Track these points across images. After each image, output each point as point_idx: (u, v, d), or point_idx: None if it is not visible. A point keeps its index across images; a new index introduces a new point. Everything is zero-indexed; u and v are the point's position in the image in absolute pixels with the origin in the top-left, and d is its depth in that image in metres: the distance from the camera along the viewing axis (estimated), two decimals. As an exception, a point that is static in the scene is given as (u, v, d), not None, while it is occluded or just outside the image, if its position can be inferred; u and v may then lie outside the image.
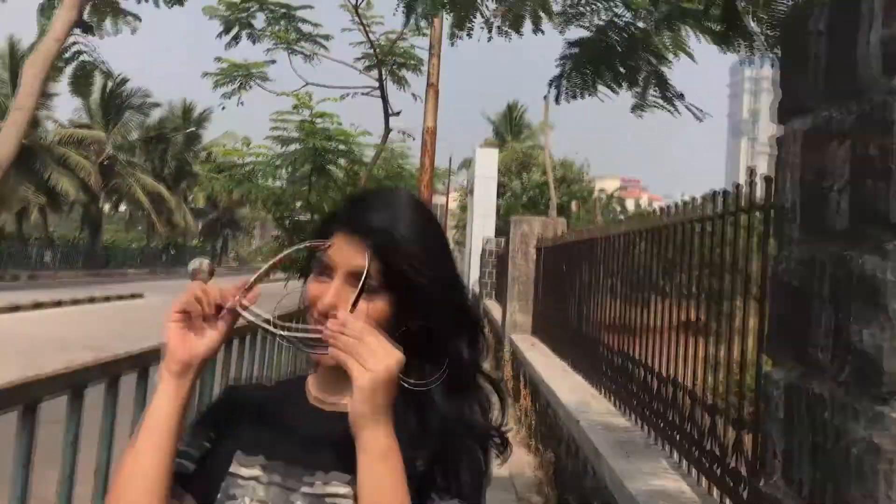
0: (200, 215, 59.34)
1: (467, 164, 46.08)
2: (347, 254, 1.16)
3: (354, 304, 1.12)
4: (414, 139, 10.44)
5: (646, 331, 4.47)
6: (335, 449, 1.13)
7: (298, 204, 8.14)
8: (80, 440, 1.53)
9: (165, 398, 1.12)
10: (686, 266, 3.77)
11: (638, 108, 5.13)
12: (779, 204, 1.75)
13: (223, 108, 8.26)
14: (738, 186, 3.13)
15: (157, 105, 42.06)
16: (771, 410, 1.69)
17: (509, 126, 49.70)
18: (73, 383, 1.44)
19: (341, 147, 7.33)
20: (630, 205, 57.52)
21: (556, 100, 5.39)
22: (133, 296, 23.28)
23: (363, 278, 1.13)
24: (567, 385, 5.69)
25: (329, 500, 1.13)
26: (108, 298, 21.62)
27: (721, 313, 3.27)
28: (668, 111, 4.66)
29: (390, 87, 8.24)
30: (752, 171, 2.99)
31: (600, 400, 5.13)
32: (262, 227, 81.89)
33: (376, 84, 8.31)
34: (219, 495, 1.16)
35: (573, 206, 35.05)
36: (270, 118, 7.10)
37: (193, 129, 47.21)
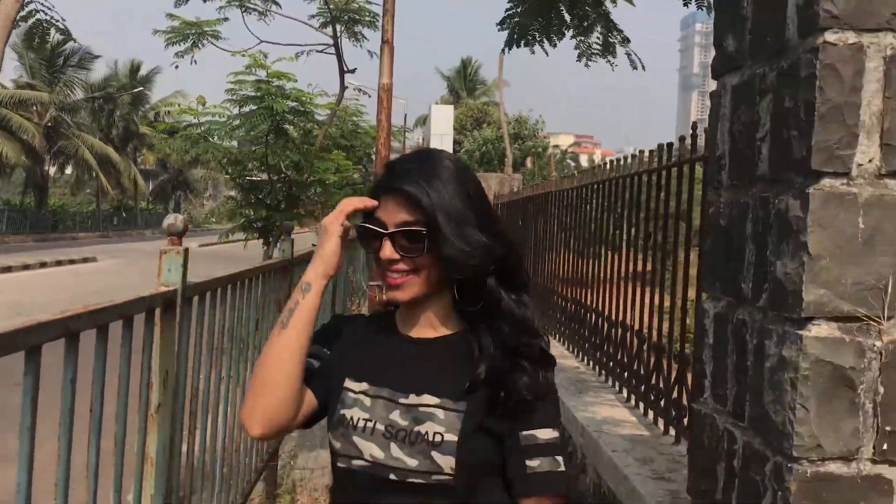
0: (150, 177, 58.12)
1: (422, 120, 45.89)
2: (392, 212, 1.37)
3: (405, 254, 1.36)
4: (370, 96, 10.45)
5: (598, 281, 4.69)
6: (425, 374, 1.40)
7: (254, 164, 8.14)
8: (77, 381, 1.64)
9: (315, 295, 1.39)
10: (633, 217, 3.97)
11: (583, 55, 5.23)
12: (712, 153, 1.93)
13: (176, 66, 8.19)
14: (682, 139, 3.32)
15: (97, 56, 40.42)
16: (703, 338, 1.89)
17: (464, 82, 49.50)
18: (68, 329, 1.56)
19: (299, 107, 7.33)
20: (584, 160, 57.99)
21: (507, 47, 5.44)
22: (86, 259, 22.89)
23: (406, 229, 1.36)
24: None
25: (422, 408, 1.37)
26: (59, 263, 21.22)
27: (665, 262, 3.48)
28: (610, 60, 4.79)
29: (346, 44, 8.24)
30: (694, 125, 3.18)
31: (554, 345, 5.37)
32: (214, 188, 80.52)
33: (331, 41, 8.30)
34: (337, 404, 1.42)
35: (528, 162, 35.23)
36: (227, 80, 7.06)
37: (141, 88, 45.87)
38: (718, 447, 1.78)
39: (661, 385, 3.24)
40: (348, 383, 1.43)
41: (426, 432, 1.35)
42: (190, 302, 2.43)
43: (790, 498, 1.45)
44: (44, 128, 36.16)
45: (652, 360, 3.44)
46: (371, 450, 1.37)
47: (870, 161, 1.43)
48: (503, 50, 5.60)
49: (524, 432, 1.39)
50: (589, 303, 4.71)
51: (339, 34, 8.22)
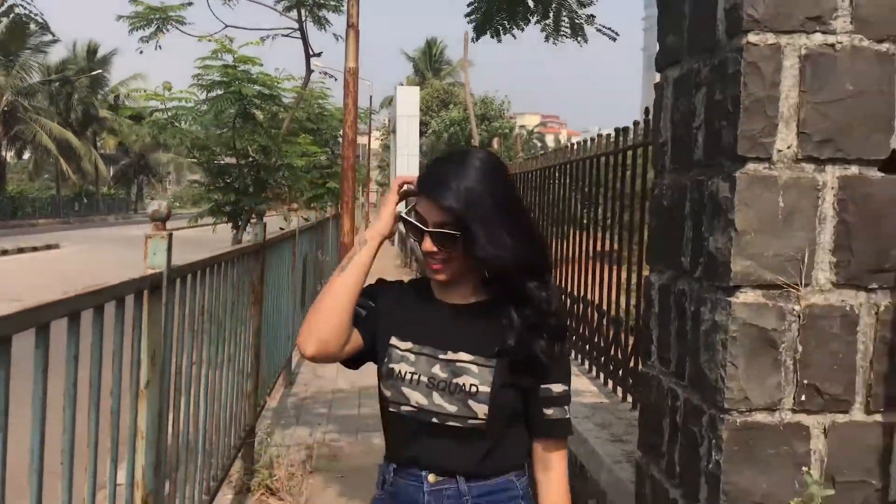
0: (111, 161, 57.07)
1: (388, 102, 45.69)
2: (430, 210, 1.60)
3: (442, 247, 1.59)
4: (336, 79, 10.50)
5: (564, 260, 4.89)
6: (464, 334, 1.64)
7: (222, 148, 8.17)
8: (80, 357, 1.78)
9: (370, 249, 1.67)
10: (594, 198, 4.16)
11: (550, 36, 5.35)
12: (655, 140, 2.11)
13: (141, 52, 8.14)
14: (636, 123, 3.51)
15: (56, 41, 39.46)
16: (649, 307, 2.09)
17: (429, 63, 49.32)
18: (71, 309, 1.70)
19: (266, 91, 7.38)
20: (550, 140, 58.32)
21: (476, 36, 5.59)
22: (49, 246, 22.56)
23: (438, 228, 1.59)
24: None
25: (459, 364, 1.61)
26: (21, 250, 20.89)
27: (623, 241, 3.69)
28: (578, 39, 4.92)
29: (312, 29, 8.27)
30: (647, 109, 3.37)
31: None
32: (177, 173, 79.34)
33: (296, 25, 8.32)
34: (385, 359, 1.66)
35: (494, 142, 35.32)
36: (194, 65, 7.08)
37: (99, 71, 44.95)
38: (664, 405, 1.98)
39: (619, 356, 3.45)
40: (394, 341, 1.67)
41: (463, 384, 1.59)
42: (174, 284, 2.56)
43: (722, 445, 1.66)
44: (0, 112, 35.38)
45: (611, 332, 3.65)
46: (417, 398, 1.61)
47: (788, 147, 1.62)
48: (473, 39, 5.73)
49: (542, 386, 1.65)
50: (559, 284, 4.91)
51: (304, 18, 8.24)
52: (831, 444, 1.66)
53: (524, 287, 1.61)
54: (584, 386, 3.75)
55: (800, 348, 1.65)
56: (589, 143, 4.18)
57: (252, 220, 8.20)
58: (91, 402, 1.88)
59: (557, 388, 1.67)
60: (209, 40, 6.98)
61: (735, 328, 1.63)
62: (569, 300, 4.48)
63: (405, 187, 1.69)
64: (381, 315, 1.71)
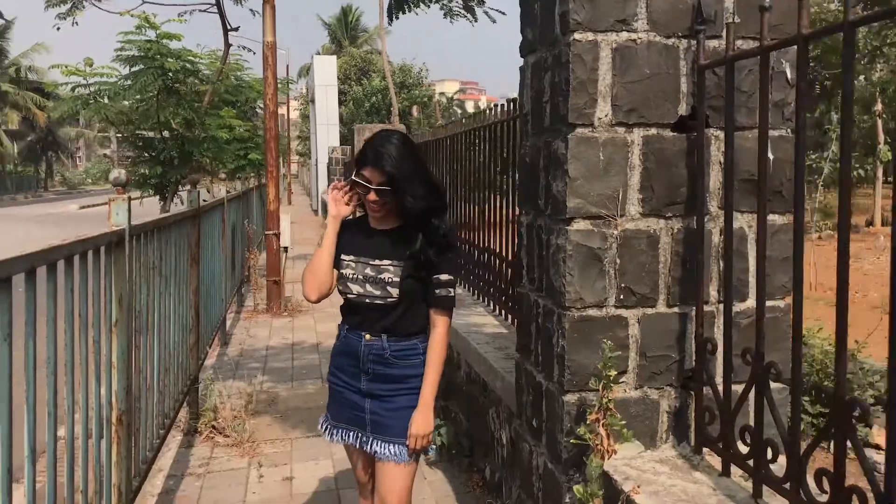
0: (16, 137, 54.60)
1: (305, 70, 45.27)
2: (373, 174, 2.34)
3: (381, 197, 2.33)
4: (254, 53, 10.75)
5: (476, 220, 5.47)
6: (386, 248, 2.41)
7: (145, 122, 8.42)
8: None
9: (333, 230, 2.46)
10: (496, 162, 4.75)
11: (448, 15, 5.96)
12: (520, 111, 2.71)
13: (58, 28, 8.26)
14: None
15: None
16: (521, 242, 2.70)
17: (345, 30, 48.94)
18: (52, 257, 2.17)
19: (188, 67, 7.67)
20: (470, 107, 58.88)
21: (391, 17, 6.10)
22: (-43, 227, 21.88)
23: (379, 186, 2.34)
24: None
25: (381, 266, 2.40)
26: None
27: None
28: (469, 19, 5.57)
29: (228, 4, 8.56)
30: (532, 83, 3.96)
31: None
32: (87, 147, 76.30)
33: (213, 1, 8.59)
34: (339, 267, 2.47)
35: (414, 110, 35.61)
36: (116, 39, 7.30)
37: (-1, 43, 42.85)
38: (531, 313, 2.61)
39: (511, 291, 4.08)
40: (343, 256, 2.48)
41: (384, 277, 2.40)
42: (132, 240, 3.03)
43: (565, 333, 2.28)
44: None
45: (508, 273, 4.28)
46: (357, 288, 2.44)
47: (605, 116, 2.23)
48: (389, 21, 6.22)
49: (434, 276, 2.40)
50: (470, 239, 5.51)
51: (220, -7, 8.51)
52: (643, 329, 2.31)
53: (429, 221, 2.36)
54: (488, 321, 4.40)
55: (618, 261, 2.28)
56: (485, 113, 4.76)
57: (178, 191, 8.51)
58: (80, 330, 2.37)
59: (444, 276, 2.42)
60: (131, 16, 7.21)
61: (571, 248, 2.25)
62: (477, 253, 5.10)
63: (340, 186, 2.47)
64: (339, 242, 2.50)
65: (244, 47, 17.55)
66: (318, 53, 40.75)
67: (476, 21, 5.37)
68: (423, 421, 2.40)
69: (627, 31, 2.22)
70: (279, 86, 11.70)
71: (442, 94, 51.65)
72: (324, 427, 2.63)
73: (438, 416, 4.70)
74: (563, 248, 2.28)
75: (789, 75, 2.29)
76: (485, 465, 3.80)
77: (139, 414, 3.30)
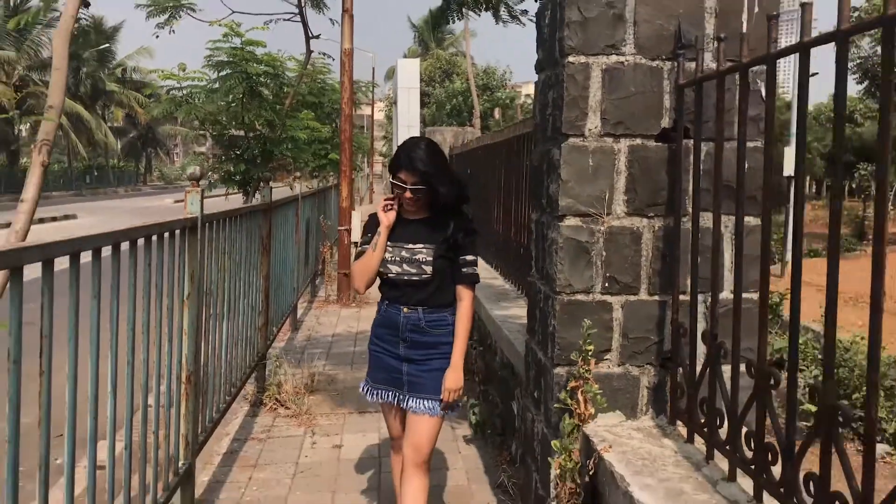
0: (120, 134, 57.93)
1: (391, 73, 46.26)
2: (408, 176, 2.81)
3: (416, 195, 2.80)
4: (333, 59, 11.38)
5: (522, 218, 5.82)
6: (420, 234, 2.88)
7: (231, 123, 9.12)
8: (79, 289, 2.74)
9: (384, 237, 2.89)
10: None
11: (498, 20, 6.37)
12: (534, 122, 3.07)
13: (157, 37, 9.07)
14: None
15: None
16: (531, 236, 3.07)
17: (433, 33, 49.73)
18: (136, 236, 2.68)
19: (270, 71, 8.31)
20: (552, 109, 58.54)
21: (448, 21, 6.56)
22: (66, 217, 23.66)
23: (412, 186, 2.83)
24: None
25: (416, 249, 2.87)
26: (42, 220, 21.98)
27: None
28: (519, 23, 5.99)
29: (311, 13, 9.16)
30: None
31: (488, 269, 6.56)
32: (183, 145, 80.00)
33: (296, 10, 9.23)
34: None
35: (496, 112, 35.93)
36: (206, 47, 8.01)
37: (108, 45, 45.69)
38: (536, 298, 2.97)
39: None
40: None
41: (418, 258, 2.86)
42: (205, 227, 3.55)
43: (556, 314, 2.64)
44: (12, 87, 36.25)
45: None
46: (395, 269, 2.89)
47: (595, 127, 2.58)
48: (447, 21, 6.66)
49: (460, 258, 2.87)
50: (512, 236, 5.87)
51: (303, 3, 9.13)
52: (626, 313, 2.64)
53: (458, 210, 2.85)
54: (524, 314, 4.78)
55: (604, 254, 2.62)
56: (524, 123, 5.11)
57: (260, 188, 9.18)
58: (157, 302, 2.88)
59: (469, 257, 2.92)
60: (219, 25, 7.89)
61: (562, 241, 2.61)
62: (522, 250, 5.45)
63: (387, 199, 2.93)
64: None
65: (324, 53, 18.43)
66: (405, 56, 41.54)
67: (524, 25, 5.79)
68: (454, 378, 2.88)
69: (616, 55, 2.56)
70: (363, 88, 12.38)
71: (528, 95, 51.75)
72: (365, 389, 3.10)
73: (477, 397, 5.09)
74: (555, 240, 2.64)
75: (763, 93, 2.58)
76: (512, 442, 4.17)
77: (207, 378, 3.83)
